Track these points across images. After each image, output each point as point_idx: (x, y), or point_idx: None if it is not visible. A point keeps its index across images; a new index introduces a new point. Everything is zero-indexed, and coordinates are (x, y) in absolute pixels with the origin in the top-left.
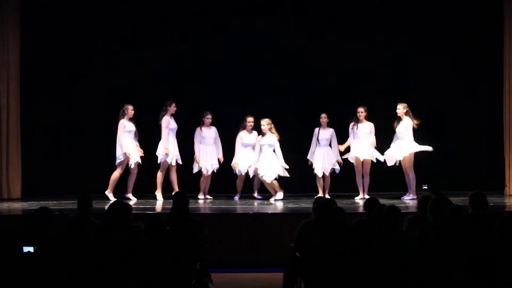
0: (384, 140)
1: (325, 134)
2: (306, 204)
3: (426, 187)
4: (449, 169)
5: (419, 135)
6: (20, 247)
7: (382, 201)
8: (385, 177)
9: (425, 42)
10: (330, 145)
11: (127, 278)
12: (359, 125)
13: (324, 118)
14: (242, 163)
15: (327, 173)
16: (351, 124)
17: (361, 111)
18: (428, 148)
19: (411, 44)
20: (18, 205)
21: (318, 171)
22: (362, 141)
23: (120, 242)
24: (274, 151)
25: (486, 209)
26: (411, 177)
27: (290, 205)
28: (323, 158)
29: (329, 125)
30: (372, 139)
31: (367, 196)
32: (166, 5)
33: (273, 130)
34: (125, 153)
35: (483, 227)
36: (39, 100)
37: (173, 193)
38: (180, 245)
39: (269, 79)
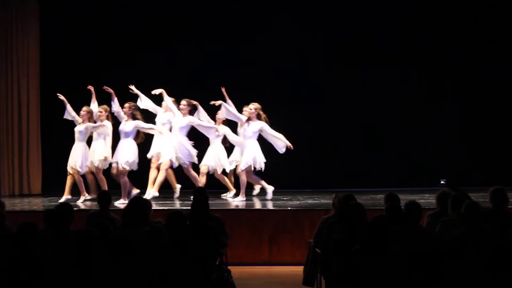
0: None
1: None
2: (325, 200)
3: (443, 182)
4: (468, 164)
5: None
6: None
7: (402, 196)
8: (405, 172)
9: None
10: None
11: (147, 274)
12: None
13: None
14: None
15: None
16: None
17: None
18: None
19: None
20: (38, 201)
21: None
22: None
23: (141, 238)
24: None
25: (506, 205)
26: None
27: (310, 201)
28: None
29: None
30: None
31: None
32: (184, 5)
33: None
34: None
35: (503, 223)
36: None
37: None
38: (200, 241)
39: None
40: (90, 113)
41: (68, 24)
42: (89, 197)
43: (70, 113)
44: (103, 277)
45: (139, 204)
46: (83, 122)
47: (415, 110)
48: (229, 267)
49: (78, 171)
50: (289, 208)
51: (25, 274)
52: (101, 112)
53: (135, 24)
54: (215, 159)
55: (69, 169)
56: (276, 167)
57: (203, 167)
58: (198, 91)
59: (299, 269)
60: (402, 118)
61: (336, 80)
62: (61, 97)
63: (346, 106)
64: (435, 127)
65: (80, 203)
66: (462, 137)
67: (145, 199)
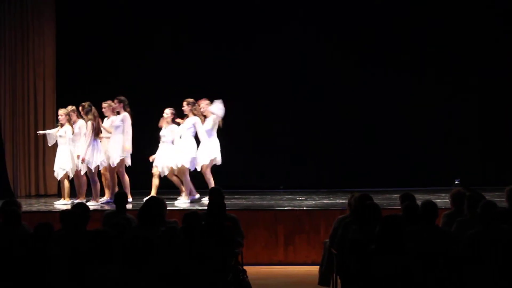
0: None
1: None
2: (341, 199)
3: (458, 182)
4: (482, 164)
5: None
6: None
7: (418, 196)
8: (406, 172)
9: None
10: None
11: (162, 274)
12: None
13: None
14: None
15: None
16: None
17: (166, 113)
18: None
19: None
20: (54, 201)
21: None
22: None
23: (157, 238)
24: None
25: None
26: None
27: (326, 201)
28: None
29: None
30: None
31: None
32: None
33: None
34: None
35: None
36: (74, 96)
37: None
38: (216, 241)
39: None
40: (68, 115)
41: (84, 25)
42: (68, 202)
43: (52, 136)
44: (119, 276)
45: (155, 204)
46: (61, 126)
47: (415, 110)
48: (245, 267)
49: (68, 175)
50: (304, 208)
51: (41, 274)
52: (61, 116)
53: (150, 24)
54: (163, 160)
55: (57, 175)
56: (275, 167)
57: (154, 169)
58: (197, 91)
59: (315, 269)
60: (402, 118)
61: (336, 80)
62: (41, 132)
63: (346, 106)
64: (436, 127)
65: (60, 205)
66: (462, 137)
67: (161, 199)
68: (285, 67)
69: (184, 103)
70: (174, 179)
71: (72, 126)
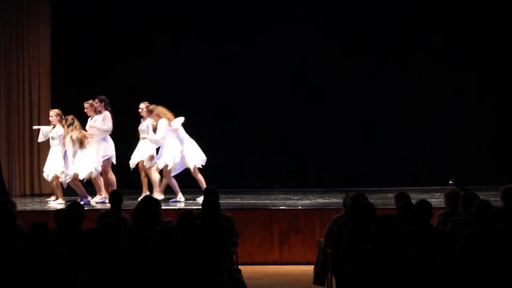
0: None
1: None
2: (336, 199)
3: (452, 182)
4: (478, 163)
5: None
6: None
7: (413, 195)
8: (406, 171)
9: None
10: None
11: (158, 273)
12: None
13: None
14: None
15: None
16: None
17: (141, 108)
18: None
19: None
20: (49, 200)
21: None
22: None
23: (152, 237)
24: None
25: None
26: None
27: (321, 200)
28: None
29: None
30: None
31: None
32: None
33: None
34: None
35: None
36: (69, 95)
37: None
38: (211, 240)
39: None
40: (59, 115)
41: (79, 23)
42: (63, 202)
43: (44, 133)
44: (115, 276)
45: (148, 203)
46: (54, 127)
47: (415, 110)
48: (240, 267)
49: (58, 177)
50: (299, 208)
51: (36, 274)
52: (52, 117)
53: (145, 24)
54: (141, 155)
55: (46, 176)
56: (275, 167)
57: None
58: (197, 90)
59: (310, 268)
60: (402, 118)
61: (336, 80)
62: (36, 127)
63: (346, 106)
64: (435, 127)
65: (54, 204)
66: (461, 137)
67: (155, 198)
68: (285, 67)
69: (143, 106)
70: (143, 174)
71: (64, 127)
